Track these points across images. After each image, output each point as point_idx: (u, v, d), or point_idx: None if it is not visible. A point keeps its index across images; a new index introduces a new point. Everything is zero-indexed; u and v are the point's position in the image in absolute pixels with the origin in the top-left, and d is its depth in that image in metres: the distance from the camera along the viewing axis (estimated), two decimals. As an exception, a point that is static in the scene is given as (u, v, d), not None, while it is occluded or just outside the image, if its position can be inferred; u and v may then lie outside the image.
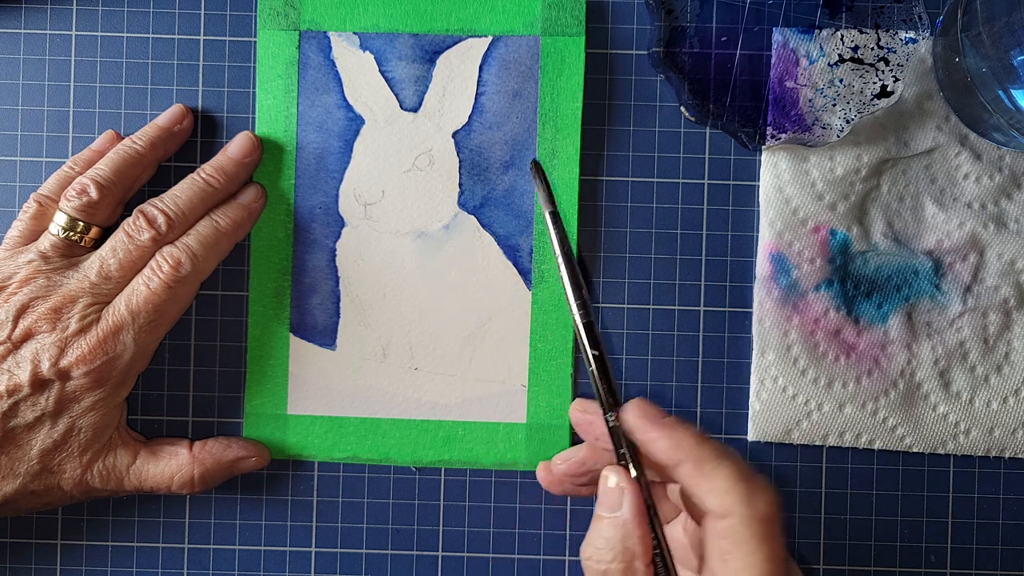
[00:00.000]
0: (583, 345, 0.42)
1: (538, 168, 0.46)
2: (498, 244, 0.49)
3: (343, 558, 0.49)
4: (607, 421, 0.42)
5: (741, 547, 0.38)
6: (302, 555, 0.49)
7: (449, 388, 0.49)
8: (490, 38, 0.48)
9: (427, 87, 0.49)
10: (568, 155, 0.48)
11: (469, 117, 0.49)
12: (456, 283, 0.49)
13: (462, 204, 0.49)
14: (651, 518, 0.41)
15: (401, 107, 0.49)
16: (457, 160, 0.49)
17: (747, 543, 0.38)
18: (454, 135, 0.49)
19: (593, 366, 0.42)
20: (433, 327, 0.49)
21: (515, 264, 0.49)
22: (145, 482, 0.46)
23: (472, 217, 0.49)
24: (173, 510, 0.49)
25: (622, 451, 0.42)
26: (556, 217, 0.43)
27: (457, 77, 0.49)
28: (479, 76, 0.48)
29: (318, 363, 0.49)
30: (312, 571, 0.49)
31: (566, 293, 0.41)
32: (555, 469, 0.46)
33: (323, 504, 0.49)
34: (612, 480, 0.41)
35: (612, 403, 0.43)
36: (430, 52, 0.48)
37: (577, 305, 0.41)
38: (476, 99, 0.49)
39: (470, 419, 0.49)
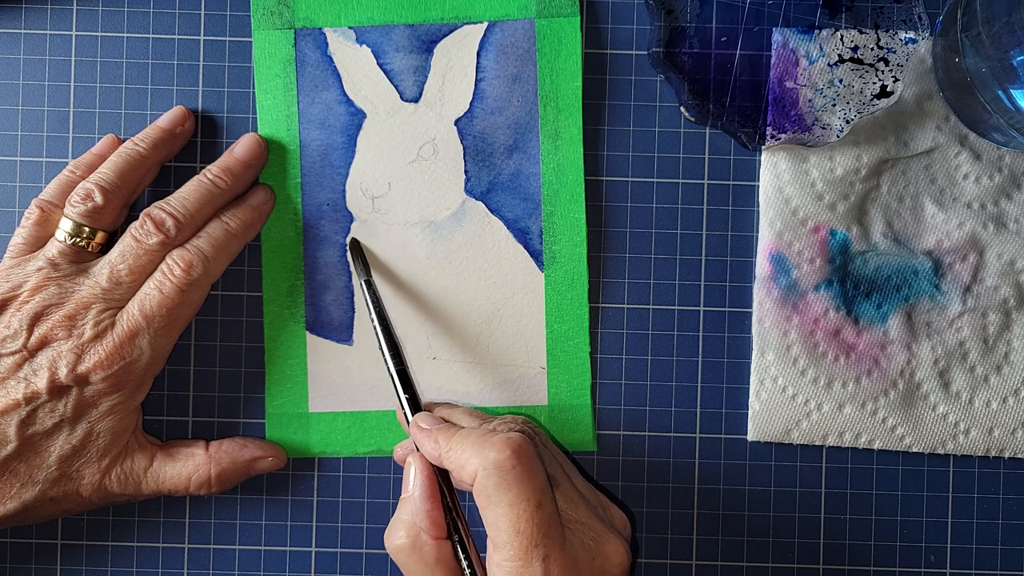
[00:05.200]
0: (396, 390, 0.45)
1: (355, 244, 0.49)
2: (508, 228, 0.49)
3: (343, 558, 0.49)
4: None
5: (488, 500, 0.39)
6: (302, 555, 0.49)
7: (469, 375, 0.49)
8: (485, 24, 0.49)
9: (426, 77, 0.49)
10: (571, 135, 0.48)
11: (470, 104, 0.49)
12: (468, 270, 0.49)
13: (469, 191, 0.49)
14: (447, 499, 0.42)
15: (402, 98, 0.49)
16: (461, 147, 0.49)
17: (491, 495, 0.39)
18: (456, 123, 0.49)
19: (406, 408, 0.45)
20: (448, 315, 0.49)
21: (526, 247, 0.49)
22: (163, 484, 0.46)
23: (480, 203, 0.49)
24: (173, 510, 0.49)
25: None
26: (370, 285, 0.47)
27: (455, 65, 0.49)
28: (477, 62, 0.49)
29: (336, 359, 0.49)
30: (312, 571, 0.49)
31: (382, 349, 0.45)
32: (395, 456, 0.48)
33: (323, 504, 0.49)
34: (408, 463, 0.43)
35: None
36: (427, 42, 0.49)
37: (391, 355, 0.45)
38: (476, 85, 0.49)
39: (492, 404, 0.49)
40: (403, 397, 0.45)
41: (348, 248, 0.49)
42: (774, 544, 0.49)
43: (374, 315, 0.46)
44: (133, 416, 0.46)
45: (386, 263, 0.49)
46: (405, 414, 0.45)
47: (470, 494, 0.42)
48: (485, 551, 0.41)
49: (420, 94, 0.49)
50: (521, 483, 0.39)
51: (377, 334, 0.45)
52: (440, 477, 0.43)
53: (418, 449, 0.43)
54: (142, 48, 0.49)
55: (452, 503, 0.42)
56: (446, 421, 0.44)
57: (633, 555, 0.42)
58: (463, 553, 0.42)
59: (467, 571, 0.41)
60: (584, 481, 0.44)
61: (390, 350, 0.45)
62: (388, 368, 0.45)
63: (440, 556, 0.41)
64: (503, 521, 0.39)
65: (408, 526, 0.42)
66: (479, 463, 0.40)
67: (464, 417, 0.45)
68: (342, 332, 0.49)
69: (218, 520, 0.49)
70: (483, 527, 0.40)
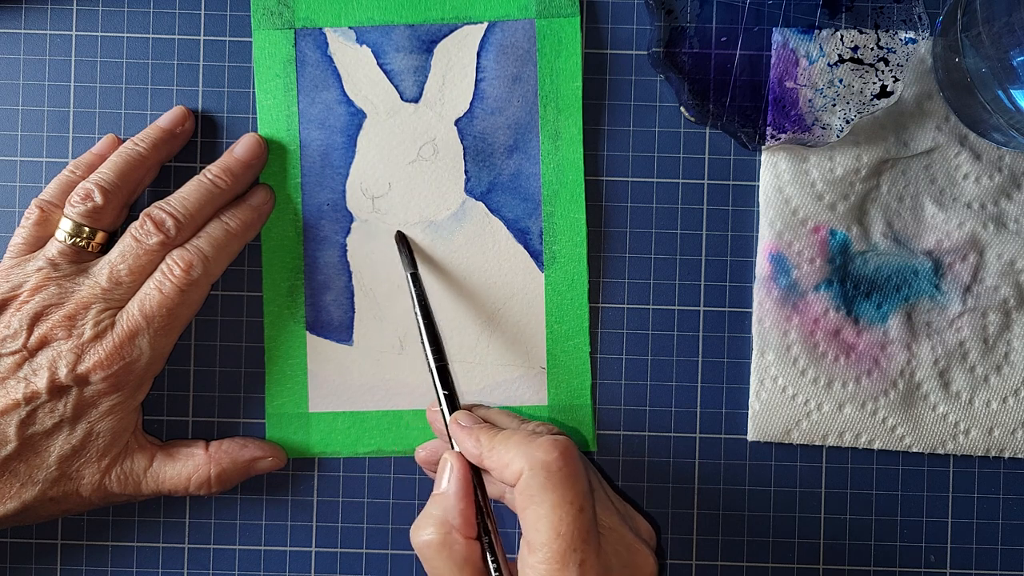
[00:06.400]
0: (436, 387, 0.45)
1: (402, 236, 0.48)
2: (508, 228, 0.49)
3: (343, 558, 0.49)
4: (451, 442, 0.44)
5: (531, 500, 0.39)
6: (302, 555, 0.49)
7: (469, 375, 0.49)
8: (486, 24, 0.49)
9: (426, 77, 0.49)
10: (571, 135, 0.49)
11: (470, 104, 0.49)
12: (468, 270, 0.49)
13: (469, 191, 0.49)
14: (480, 499, 0.42)
15: (402, 98, 0.49)
16: (461, 148, 0.49)
17: (535, 495, 0.39)
18: (456, 123, 0.49)
19: (444, 404, 0.44)
20: (449, 315, 0.49)
21: (526, 247, 0.49)
22: (163, 484, 0.46)
23: (480, 203, 0.49)
24: (173, 510, 0.49)
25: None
26: (416, 278, 0.46)
27: (456, 65, 0.49)
28: (477, 63, 0.49)
29: (336, 359, 0.49)
30: (312, 571, 0.49)
31: (423, 343, 0.45)
32: (417, 457, 0.47)
33: (323, 504, 0.49)
34: (444, 459, 0.43)
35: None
36: (427, 42, 0.49)
37: (432, 350, 0.45)
38: (476, 86, 0.49)
39: (492, 404, 0.49)
40: (442, 394, 0.44)
41: (395, 240, 0.48)
42: (774, 544, 0.49)
43: (418, 309, 0.45)
44: (133, 416, 0.46)
45: (386, 263, 0.49)
46: (443, 411, 0.44)
47: (496, 501, 0.42)
48: (513, 554, 0.41)
49: (420, 94, 0.49)
50: (566, 485, 0.39)
51: (420, 329, 0.45)
52: (474, 477, 0.42)
53: (452, 447, 0.43)
54: (142, 48, 0.49)
55: (484, 503, 0.42)
56: (484, 420, 0.44)
57: (659, 566, 0.42)
58: (491, 555, 0.41)
59: (494, 573, 0.41)
60: (612, 491, 0.44)
61: (432, 345, 0.45)
62: (429, 364, 0.45)
63: (468, 555, 0.41)
64: (544, 523, 0.39)
65: (439, 522, 0.41)
66: (525, 463, 0.39)
67: (502, 417, 0.45)
68: (342, 332, 0.49)
69: (218, 520, 0.49)
70: (512, 529, 0.40)
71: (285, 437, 0.49)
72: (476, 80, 0.49)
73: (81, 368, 0.43)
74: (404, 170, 0.49)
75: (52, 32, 0.49)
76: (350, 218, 0.49)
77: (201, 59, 0.49)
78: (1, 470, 0.44)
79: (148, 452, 0.46)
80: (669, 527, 0.49)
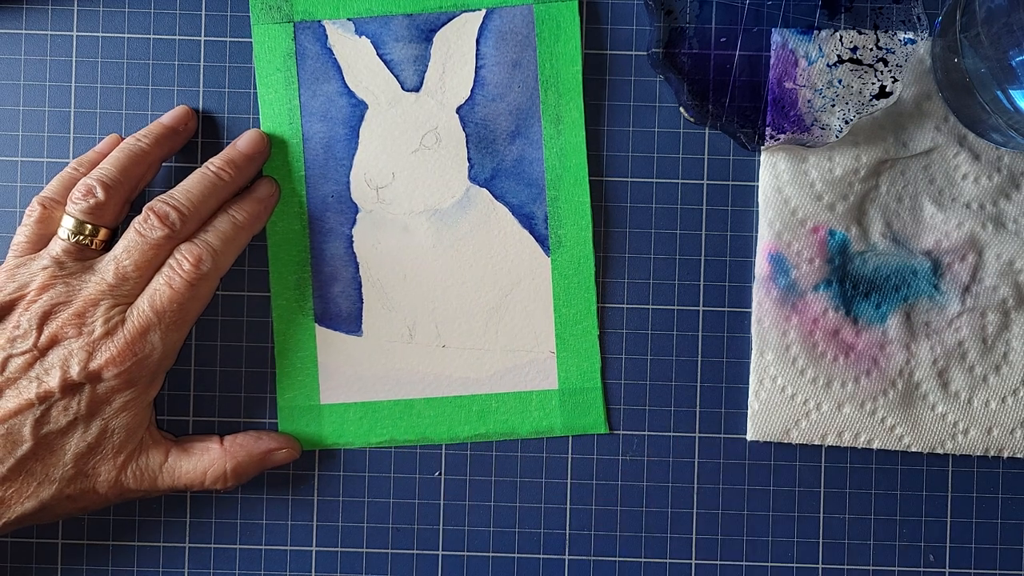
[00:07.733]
0: None
1: None
2: (513, 214, 0.49)
3: (343, 557, 0.49)
4: None
5: None
6: (303, 554, 0.49)
7: (478, 362, 0.49)
8: (484, 11, 0.49)
9: (426, 66, 0.49)
10: (573, 119, 0.49)
11: (471, 91, 0.49)
12: (475, 257, 0.49)
13: (473, 178, 0.49)
14: None
15: (403, 88, 0.49)
16: (463, 135, 0.49)
17: None
18: (458, 111, 0.49)
19: None
20: (456, 303, 0.49)
21: (531, 232, 0.49)
22: (179, 480, 0.46)
23: (484, 190, 0.49)
24: (174, 509, 0.50)
25: None
26: None
27: (455, 53, 0.49)
28: (477, 50, 0.49)
29: (346, 350, 0.49)
30: (312, 570, 0.49)
31: None
32: None
33: (323, 503, 0.49)
34: None
35: None
36: (426, 31, 0.49)
37: None
38: (476, 73, 0.49)
39: (502, 390, 0.49)
40: None
41: None
42: (773, 544, 0.49)
43: None
44: (147, 412, 0.46)
45: (392, 253, 0.49)
46: None
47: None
48: None
49: (421, 83, 0.49)
50: None
51: None
52: None
53: None
54: (143, 49, 0.49)
55: None
56: None
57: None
58: None
59: None
60: None
61: None
62: None
63: None
64: None
65: None
66: None
67: None
68: (351, 323, 0.49)
69: (219, 519, 0.50)
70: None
71: (297, 430, 0.49)
72: (476, 67, 0.49)
73: (93, 365, 0.43)
74: (407, 159, 0.49)
75: (53, 33, 0.49)
76: (355, 209, 0.49)
77: (202, 60, 0.49)
78: (18, 470, 0.44)
79: (163, 447, 0.46)
80: (669, 527, 0.49)
